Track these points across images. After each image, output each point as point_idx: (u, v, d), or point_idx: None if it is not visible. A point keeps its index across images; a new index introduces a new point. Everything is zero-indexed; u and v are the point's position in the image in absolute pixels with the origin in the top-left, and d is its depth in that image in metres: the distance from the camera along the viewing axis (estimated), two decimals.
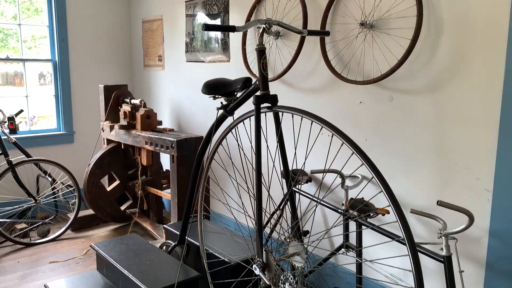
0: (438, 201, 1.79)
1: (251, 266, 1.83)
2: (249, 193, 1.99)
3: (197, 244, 2.47)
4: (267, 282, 1.74)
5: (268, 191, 1.93)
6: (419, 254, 2.03)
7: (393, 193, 1.43)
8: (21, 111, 3.90)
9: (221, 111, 2.09)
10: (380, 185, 1.44)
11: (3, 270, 3.28)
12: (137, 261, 2.37)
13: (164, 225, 2.97)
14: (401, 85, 2.42)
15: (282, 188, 2.22)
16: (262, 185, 1.84)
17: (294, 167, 2.81)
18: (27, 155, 3.88)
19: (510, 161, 2.02)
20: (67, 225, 3.94)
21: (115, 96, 4.08)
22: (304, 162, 2.04)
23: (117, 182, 4.17)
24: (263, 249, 1.81)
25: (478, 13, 2.07)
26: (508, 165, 2.02)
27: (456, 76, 2.19)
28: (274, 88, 3.11)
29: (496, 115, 2.06)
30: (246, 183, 2.05)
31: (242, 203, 2.18)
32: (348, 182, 2.66)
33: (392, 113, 2.48)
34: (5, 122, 3.79)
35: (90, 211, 4.18)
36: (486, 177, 2.12)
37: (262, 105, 1.85)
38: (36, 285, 3.04)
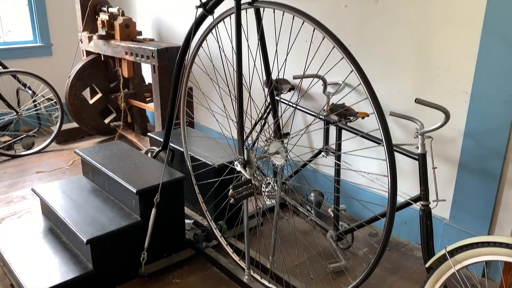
0: (416, 99, 1.82)
1: (233, 165, 1.89)
2: (230, 95, 1.99)
3: (181, 149, 2.51)
4: (248, 177, 1.80)
5: (249, 93, 1.93)
6: (396, 154, 2.11)
7: (375, 94, 1.44)
8: None
9: (200, 10, 2.01)
10: (365, 89, 1.43)
11: None
12: (121, 165, 2.41)
13: (148, 133, 3.00)
14: None
15: (265, 95, 2.22)
16: (244, 86, 1.84)
17: (276, 72, 2.79)
18: (4, 67, 3.78)
19: (489, 64, 2.03)
20: (52, 137, 3.95)
21: (91, 4, 3.89)
22: (285, 62, 2.02)
23: (99, 95, 4.13)
24: (244, 147, 1.85)
25: None
26: (487, 67, 2.04)
27: None
28: None
29: (480, 17, 2.03)
30: (228, 86, 2.04)
31: (224, 107, 2.18)
32: (330, 89, 2.67)
33: (376, 17, 2.43)
34: None
35: (74, 124, 4.17)
36: (465, 80, 2.15)
37: (243, 1, 1.79)
38: (25, 192, 3.11)
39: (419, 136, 1.96)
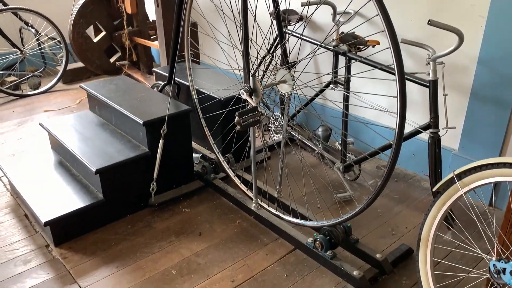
0: (429, 20, 1.74)
1: (239, 94, 1.85)
2: (235, 22, 1.92)
3: (187, 84, 2.47)
4: (253, 105, 1.77)
5: (254, 17, 1.86)
6: (406, 82, 2.05)
7: (392, 26, 1.36)
8: None
9: None
10: (383, 21, 1.35)
11: None
12: (127, 98, 2.39)
13: (154, 69, 2.95)
14: None
15: (272, 28, 2.14)
16: (249, 11, 1.77)
17: (284, 5, 2.69)
18: (4, 4, 3.68)
19: None
20: (58, 76, 3.92)
21: None
22: None
23: (103, 33, 4.04)
24: (250, 75, 1.81)
25: None
26: None
27: None
28: None
29: None
30: (233, 13, 1.97)
31: (229, 34, 2.12)
32: (339, 19, 2.57)
33: None
34: None
35: (80, 64, 4.13)
36: (482, 3, 2.04)
37: None
38: (34, 129, 3.13)
39: (431, 62, 1.90)
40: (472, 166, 1.47)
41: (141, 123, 2.11)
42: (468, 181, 1.48)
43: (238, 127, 1.71)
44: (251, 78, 1.81)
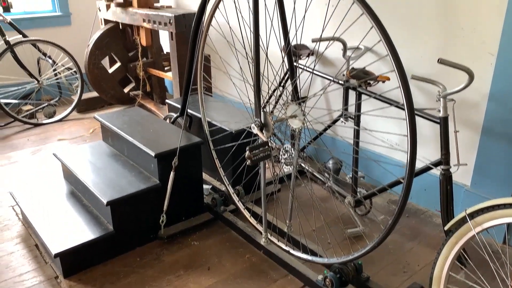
0: (439, 59, 1.75)
1: (250, 128, 1.87)
2: (247, 58, 1.96)
3: (199, 115, 2.50)
4: (264, 139, 1.79)
5: (266, 54, 1.90)
6: (416, 118, 2.06)
7: (395, 50, 1.39)
8: None
9: None
10: (392, 60, 1.38)
11: (14, 147, 3.40)
12: (140, 129, 2.43)
13: (166, 100, 3.00)
14: None
15: (283, 59, 2.18)
16: (261, 48, 1.80)
17: (294, 40, 2.74)
18: (24, 36, 3.80)
19: None
20: (73, 106, 4.00)
21: None
22: (303, 20, 1.97)
23: (118, 64, 4.14)
24: (261, 110, 1.83)
25: None
26: None
27: None
28: None
29: None
30: (245, 49, 2.01)
31: (241, 70, 2.16)
32: (349, 53, 2.60)
33: None
34: None
35: (95, 94, 4.21)
36: (492, 41, 2.06)
37: None
38: (47, 158, 3.18)
39: (441, 99, 1.91)
40: (485, 206, 1.45)
41: (153, 155, 2.14)
42: (481, 220, 1.47)
43: (248, 162, 1.72)
44: (262, 112, 1.83)
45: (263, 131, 1.83)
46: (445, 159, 1.94)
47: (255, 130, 1.83)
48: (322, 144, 2.91)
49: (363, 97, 2.35)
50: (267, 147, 1.76)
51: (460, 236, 1.54)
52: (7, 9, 3.67)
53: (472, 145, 2.24)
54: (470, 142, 2.25)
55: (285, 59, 2.11)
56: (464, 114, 2.24)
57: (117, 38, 4.02)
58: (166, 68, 4.16)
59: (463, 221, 1.52)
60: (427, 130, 2.42)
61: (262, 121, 1.83)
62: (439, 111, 1.93)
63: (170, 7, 3.67)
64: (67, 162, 2.41)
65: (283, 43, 2.17)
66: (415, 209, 2.54)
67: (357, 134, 2.39)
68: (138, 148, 2.25)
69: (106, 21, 4.03)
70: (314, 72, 2.57)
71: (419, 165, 1.89)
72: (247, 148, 1.70)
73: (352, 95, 2.53)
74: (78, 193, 2.41)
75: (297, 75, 2.77)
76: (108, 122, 2.53)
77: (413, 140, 1.42)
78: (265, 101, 2.06)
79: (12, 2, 3.75)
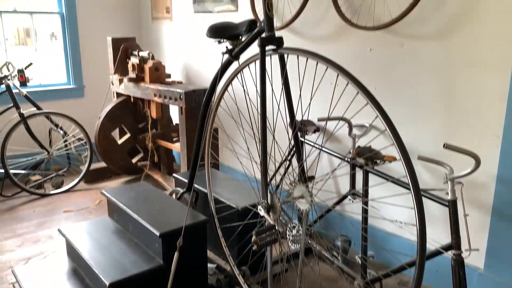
0: (444, 144, 1.77)
1: (256, 209, 1.86)
2: (255, 138, 1.99)
3: (205, 191, 2.50)
4: (272, 222, 1.77)
5: (273, 135, 1.93)
6: (425, 199, 2.04)
7: (401, 140, 1.41)
8: (31, 64, 3.91)
9: (226, 56, 2.06)
10: (390, 134, 1.41)
11: (20, 218, 3.39)
12: (146, 206, 2.42)
13: (174, 174, 3.02)
14: (412, 31, 2.35)
15: (288, 137, 2.22)
16: (268, 129, 1.84)
17: (301, 115, 2.79)
18: (38, 108, 3.93)
19: None
20: (80, 177, 4.02)
21: (123, 48, 4.05)
22: (309, 106, 2.02)
23: (127, 135, 4.22)
24: (268, 191, 1.83)
25: None
26: None
27: (469, 21, 2.11)
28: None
29: (509, 60, 2.00)
30: (253, 130, 2.05)
31: (248, 149, 2.19)
32: (355, 131, 2.64)
33: (402, 60, 2.43)
34: (15, 75, 3.81)
35: (103, 164, 4.25)
36: (496, 123, 2.09)
37: (267, 48, 1.82)
38: (52, 231, 3.15)
39: (449, 182, 1.90)
40: None
41: (158, 234, 2.11)
42: None
43: (254, 247, 1.69)
44: (268, 194, 1.83)
45: (270, 213, 1.82)
46: (456, 243, 1.89)
47: (262, 212, 1.82)
48: (330, 222, 2.86)
49: (370, 174, 2.35)
50: (274, 230, 1.73)
51: None
52: (24, 83, 3.82)
53: (483, 227, 2.20)
54: (480, 224, 2.21)
55: (291, 137, 2.14)
56: (473, 196, 2.22)
57: (128, 110, 4.13)
58: (174, 139, 4.23)
59: None
60: (436, 210, 2.39)
61: (269, 203, 1.82)
62: (447, 193, 1.92)
63: (181, 82, 3.80)
64: (71, 239, 2.38)
65: (289, 120, 2.22)
66: None
67: (365, 212, 2.36)
68: (143, 226, 2.23)
69: (118, 94, 4.17)
70: (323, 149, 2.59)
71: (429, 247, 1.84)
72: (254, 232, 1.68)
73: (359, 172, 2.53)
74: (81, 271, 2.35)
75: (304, 151, 2.80)
76: (114, 197, 2.53)
77: (422, 231, 1.39)
78: (271, 178, 2.06)
79: (29, 76, 3.90)
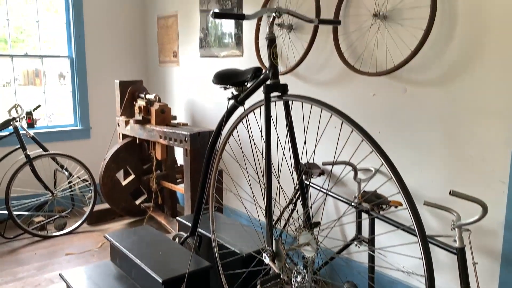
0: (450, 191, 1.76)
1: (261, 256, 1.83)
2: (260, 183, 1.99)
3: (209, 235, 2.48)
4: (277, 271, 1.73)
5: (278, 181, 1.93)
6: (432, 246, 2.01)
7: (406, 187, 1.40)
8: (39, 106, 3.97)
9: (231, 101, 2.09)
10: (396, 182, 1.41)
11: (21, 261, 3.35)
12: (149, 251, 2.39)
13: (177, 217, 2.99)
14: (414, 77, 2.39)
15: (293, 181, 2.22)
16: (273, 175, 1.84)
17: (306, 159, 2.80)
18: (44, 150, 3.95)
19: None
20: (83, 218, 4.00)
21: (130, 91, 4.13)
22: (314, 151, 2.03)
23: (132, 176, 4.22)
24: (273, 238, 1.80)
25: (494, 2, 2.03)
26: None
27: (471, 67, 2.15)
28: (286, 81, 3.09)
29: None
30: (257, 174, 2.05)
31: (253, 194, 2.18)
32: (361, 175, 2.63)
33: (405, 105, 2.45)
34: (23, 117, 3.87)
35: (106, 205, 4.24)
36: (502, 169, 2.08)
37: (272, 94, 1.85)
38: (53, 275, 3.10)
39: (456, 229, 1.88)
40: None
41: (160, 281, 2.07)
42: None
43: None
44: (273, 241, 1.80)
45: (275, 261, 1.79)
46: None
47: (267, 260, 1.79)
48: (335, 268, 2.81)
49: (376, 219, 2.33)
50: (279, 280, 1.70)
51: None
52: (31, 125, 3.87)
53: (492, 275, 2.15)
54: (490, 273, 2.16)
55: (296, 182, 2.14)
56: (481, 242, 2.18)
57: (133, 152, 4.16)
58: (178, 180, 4.22)
59: None
60: (444, 256, 2.34)
61: (274, 250, 1.80)
62: (455, 240, 1.89)
63: (186, 124, 3.84)
64: (72, 284, 2.34)
65: (293, 164, 2.22)
66: None
67: (371, 259, 2.32)
68: (146, 272, 2.19)
69: (124, 136, 4.20)
70: (329, 193, 2.58)
71: None
72: (258, 282, 1.65)
73: (365, 216, 2.51)
74: None
75: (309, 195, 2.79)
76: (117, 242, 2.50)
77: (430, 277, 1.35)
78: (275, 222, 2.04)
79: (37, 118, 3.96)
